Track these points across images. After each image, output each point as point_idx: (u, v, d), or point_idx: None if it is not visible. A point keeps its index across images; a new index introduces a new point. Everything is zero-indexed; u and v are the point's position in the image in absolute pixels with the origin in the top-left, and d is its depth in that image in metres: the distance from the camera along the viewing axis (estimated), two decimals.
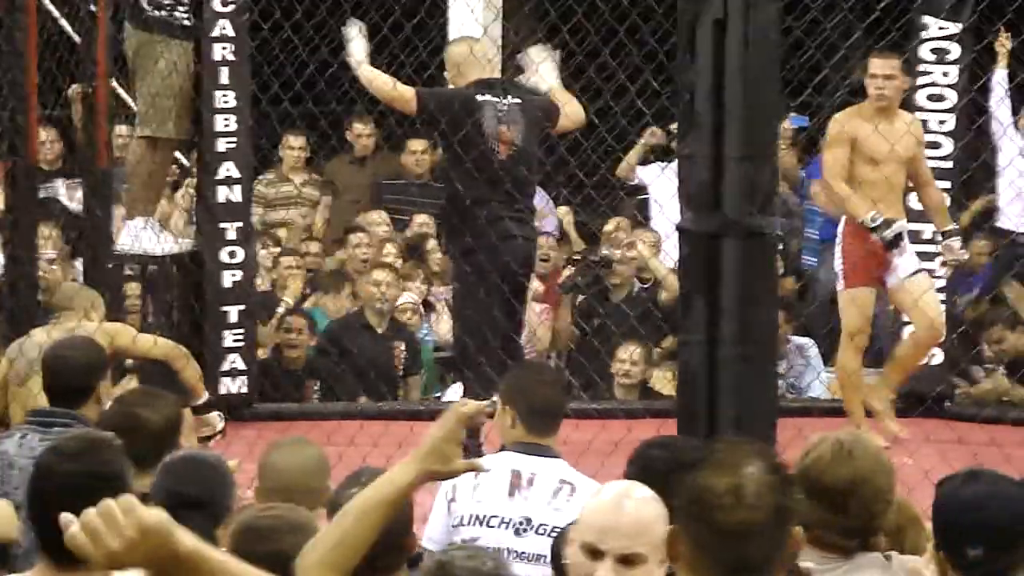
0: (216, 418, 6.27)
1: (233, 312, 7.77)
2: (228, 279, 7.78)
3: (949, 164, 8.07)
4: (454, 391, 8.52)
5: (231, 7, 7.68)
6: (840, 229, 7.32)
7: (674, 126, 7.76)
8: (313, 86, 7.90)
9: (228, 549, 2.97)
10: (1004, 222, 9.39)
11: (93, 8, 7.46)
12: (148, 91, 7.48)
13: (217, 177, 7.74)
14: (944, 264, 7.66)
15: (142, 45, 7.48)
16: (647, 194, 9.81)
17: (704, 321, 3.74)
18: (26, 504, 3.24)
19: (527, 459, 4.42)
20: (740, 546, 2.24)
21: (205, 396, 6.27)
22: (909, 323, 7.56)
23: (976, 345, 8.67)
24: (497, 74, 6.91)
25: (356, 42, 6.90)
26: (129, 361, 7.06)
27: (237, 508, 3.65)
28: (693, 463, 2.30)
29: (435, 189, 10.10)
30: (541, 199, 8.57)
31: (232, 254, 7.78)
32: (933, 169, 7.62)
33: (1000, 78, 8.81)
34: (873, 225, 7.10)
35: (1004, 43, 8.75)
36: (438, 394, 8.71)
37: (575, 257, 9.63)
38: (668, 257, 8.91)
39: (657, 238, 9.15)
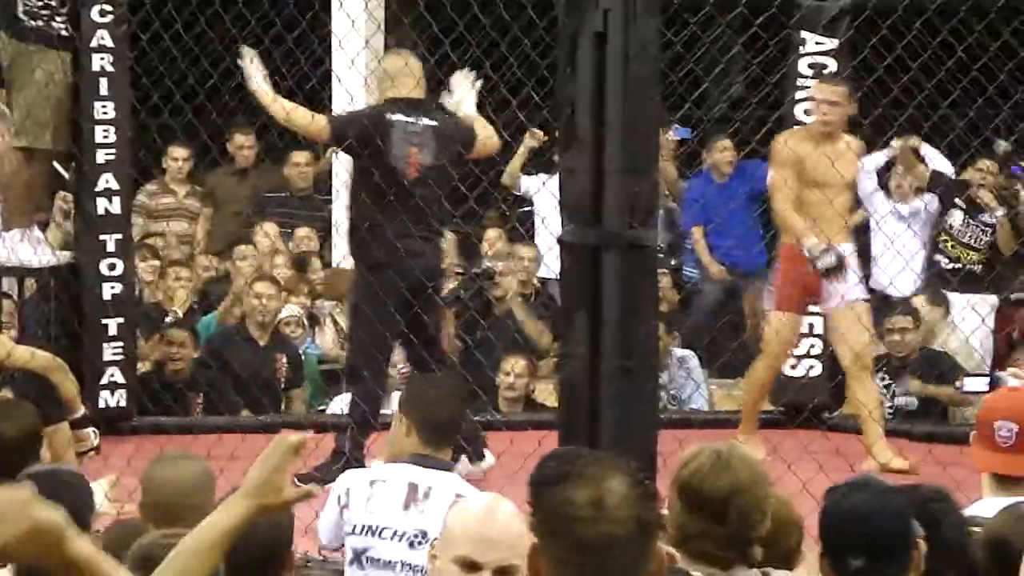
0: (91, 434, 6.20)
1: (112, 325, 7.70)
2: (107, 291, 7.70)
3: None
4: (338, 403, 8.50)
5: (109, 17, 7.61)
6: (779, 250, 7.34)
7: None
8: (194, 97, 7.84)
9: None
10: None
11: None
12: (24, 101, 7.40)
13: (96, 189, 7.67)
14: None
15: (18, 55, 7.39)
16: (531, 206, 9.84)
17: (585, 334, 3.75)
18: None
19: (424, 472, 4.41)
20: (601, 560, 2.19)
21: (81, 411, 6.19)
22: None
23: None
24: (422, 94, 6.88)
25: (255, 71, 6.80)
26: None
27: (116, 522, 3.61)
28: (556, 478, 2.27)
29: (318, 201, 10.07)
30: None
31: (112, 266, 7.70)
32: None
33: (871, 165, 8.79)
34: (811, 255, 7.14)
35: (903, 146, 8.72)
36: (322, 407, 8.67)
37: (457, 270, 9.64)
38: (550, 270, 8.95)
39: (536, 253, 9.19)
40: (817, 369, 8.15)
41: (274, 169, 10.27)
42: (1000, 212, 9.04)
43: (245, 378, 8.31)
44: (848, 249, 7.27)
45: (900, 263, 8.39)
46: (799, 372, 8.19)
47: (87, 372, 7.42)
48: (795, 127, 7.67)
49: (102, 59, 7.61)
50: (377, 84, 6.87)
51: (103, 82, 7.63)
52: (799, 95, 8.12)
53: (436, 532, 4.29)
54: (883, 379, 8.16)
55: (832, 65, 8.12)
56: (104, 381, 7.67)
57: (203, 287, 9.31)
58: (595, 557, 2.20)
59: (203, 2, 7.75)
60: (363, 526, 4.44)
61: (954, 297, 8.92)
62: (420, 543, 4.33)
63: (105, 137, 7.65)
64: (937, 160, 8.91)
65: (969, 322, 8.56)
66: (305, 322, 9.08)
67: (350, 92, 8.57)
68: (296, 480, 2.44)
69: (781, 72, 7.96)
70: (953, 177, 9.04)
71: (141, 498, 4.00)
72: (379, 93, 6.87)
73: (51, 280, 7.80)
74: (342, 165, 9.63)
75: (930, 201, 9.02)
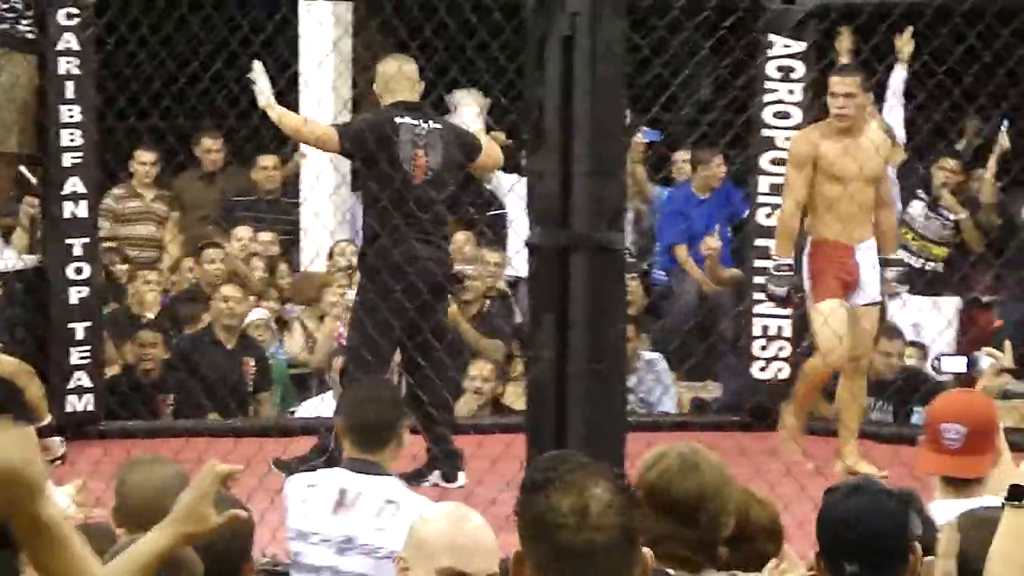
0: (57, 443, 6.17)
1: (79, 329, 7.67)
2: (74, 295, 7.67)
3: None
4: (307, 407, 8.49)
5: (76, 20, 7.58)
6: (807, 249, 7.15)
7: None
8: (161, 100, 7.82)
9: None
10: None
11: None
12: None
13: (63, 192, 7.64)
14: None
15: None
16: (500, 209, 9.83)
17: (553, 336, 3.75)
18: None
19: (354, 477, 4.38)
20: (584, 568, 2.20)
21: (48, 419, 6.16)
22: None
23: None
24: (418, 97, 6.89)
25: (264, 87, 6.80)
26: None
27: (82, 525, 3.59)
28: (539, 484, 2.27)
29: (285, 205, 10.05)
30: None
31: (79, 270, 7.67)
32: (780, 186, 7.70)
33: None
34: (771, 272, 7.10)
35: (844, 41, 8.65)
36: (292, 410, 8.66)
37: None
38: (520, 271, 8.95)
39: (503, 257, 9.19)
40: (786, 372, 8.17)
41: (242, 173, 10.25)
42: (963, 215, 9.07)
43: (213, 381, 8.30)
44: (871, 245, 7.13)
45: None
46: (768, 375, 8.21)
47: (54, 376, 7.39)
48: (814, 123, 7.37)
49: (68, 62, 7.58)
50: (383, 86, 6.83)
51: (69, 85, 7.59)
52: (767, 98, 8.15)
53: (364, 538, 4.28)
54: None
55: (800, 69, 8.14)
56: (71, 385, 7.64)
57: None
58: (578, 564, 2.20)
59: (169, 5, 7.72)
60: (296, 531, 4.43)
61: (919, 300, 8.95)
62: (347, 549, 4.30)
63: (71, 141, 7.62)
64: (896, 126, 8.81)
65: (936, 325, 8.60)
66: (273, 326, 9.06)
67: (317, 95, 8.57)
68: (273, 465, 2.44)
69: (749, 75, 7.96)
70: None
71: (114, 502, 3.97)
72: (387, 95, 6.83)
73: (17, 284, 7.76)
74: (313, 169, 9.63)
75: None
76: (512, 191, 9.23)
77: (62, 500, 5.19)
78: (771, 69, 8.16)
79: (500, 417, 7.95)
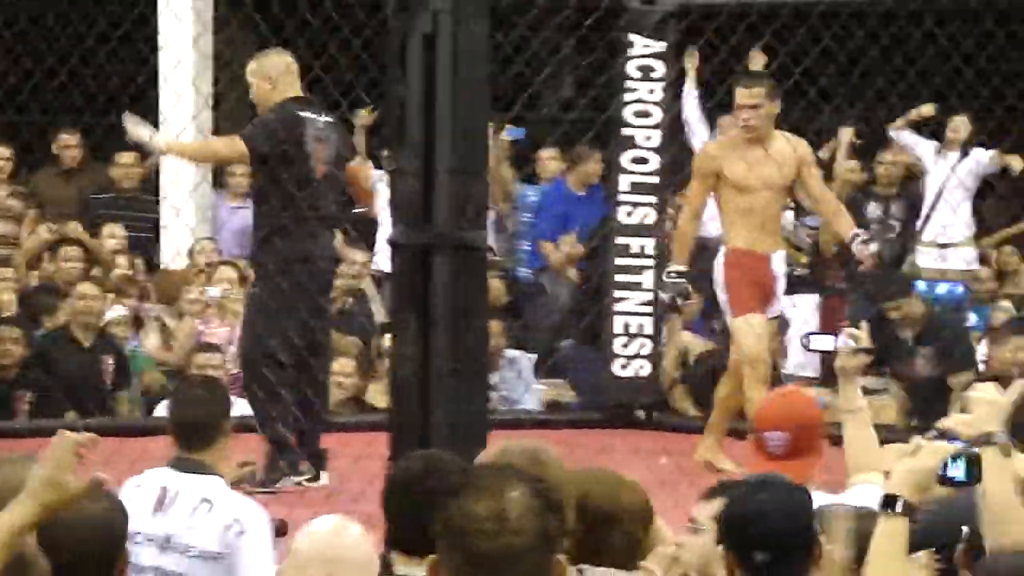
0: None
1: None
2: None
3: (655, 179, 8.25)
4: (164, 407, 8.39)
5: None
6: (719, 260, 7.12)
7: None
8: (16, 95, 7.71)
9: None
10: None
11: None
12: None
13: None
14: (860, 264, 7.33)
15: None
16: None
17: (416, 335, 3.76)
18: None
19: (176, 475, 4.33)
20: (501, 573, 2.16)
21: None
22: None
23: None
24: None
25: (145, 132, 6.69)
26: None
27: None
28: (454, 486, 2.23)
29: (144, 202, 9.93)
30: None
31: None
32: (640, 184, 7.77)
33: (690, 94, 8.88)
34: (666, 279, 7.12)
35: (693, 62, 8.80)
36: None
37: None
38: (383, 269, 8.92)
39: (367, 257, 9.15)
40: (647, 369, 8.23)
41: (100, 169, 10.11)
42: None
43: (71, 380, 8.18)
44: (781, 256, 7.18)
45: None
46: (629, 372, 8.26)
47: None
48: (720, 137, 7.41)
49: None
50: (268, 83, 6.73)
51: None
52: (628, 97, 8.20)
53: (180, 537, 4.24)
54: None
55: (660, 68, 8.20)
56: None
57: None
58: (495, 569, 2.17)
59: None
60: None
61: (782, 300, 9.05)
62: (166, 548, 4.26)
63: None
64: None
65: (795, 323, 8.70)
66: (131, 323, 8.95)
67: (177, 91, 8.48)
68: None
69: (610, 74, 8.01)
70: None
71: None
72: (274, 93, 6.72)
73: None
74: (172, 166, 9.52)
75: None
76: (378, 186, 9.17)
77: None
78: (631, 68, 8.22)
79: (363, 415, 7.93)
